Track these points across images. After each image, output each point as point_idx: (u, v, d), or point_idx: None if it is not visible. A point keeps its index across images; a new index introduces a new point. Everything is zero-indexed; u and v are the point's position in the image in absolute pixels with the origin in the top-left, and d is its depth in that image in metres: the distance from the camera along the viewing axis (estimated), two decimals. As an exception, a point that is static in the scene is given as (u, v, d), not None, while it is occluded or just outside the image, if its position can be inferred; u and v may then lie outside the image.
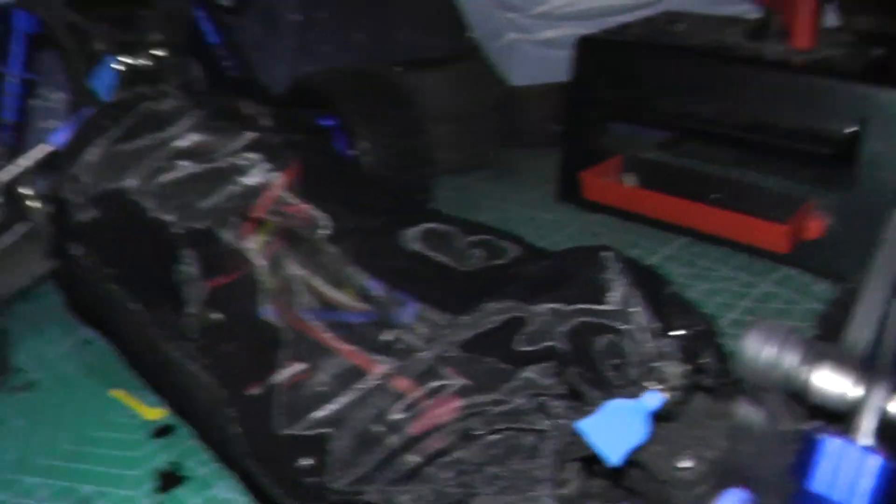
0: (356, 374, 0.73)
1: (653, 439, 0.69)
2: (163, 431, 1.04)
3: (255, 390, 0.76)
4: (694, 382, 0.70)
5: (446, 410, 0.67)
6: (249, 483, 0.82)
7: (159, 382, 0.98)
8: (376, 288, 0.80)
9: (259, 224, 0.87)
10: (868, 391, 0.55)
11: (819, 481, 0.54)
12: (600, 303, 0.69)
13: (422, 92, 1.71)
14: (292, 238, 0.86)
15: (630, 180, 1.46)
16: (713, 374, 0.70)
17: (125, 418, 1.08)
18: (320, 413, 0.71)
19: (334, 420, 0.70)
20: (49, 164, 1.12)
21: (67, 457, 1.02)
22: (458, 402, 0.67)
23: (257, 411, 0.74)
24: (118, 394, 1.12)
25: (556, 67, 1.66)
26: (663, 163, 1.48)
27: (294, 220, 0.86)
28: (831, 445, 0.54)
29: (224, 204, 0.90)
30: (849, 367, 0.57)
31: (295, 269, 0.85)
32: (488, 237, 0.85)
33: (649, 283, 0.73)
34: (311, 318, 0.80)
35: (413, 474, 0.66)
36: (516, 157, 1.86)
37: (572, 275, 0.73)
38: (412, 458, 0.66)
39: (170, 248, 0.90)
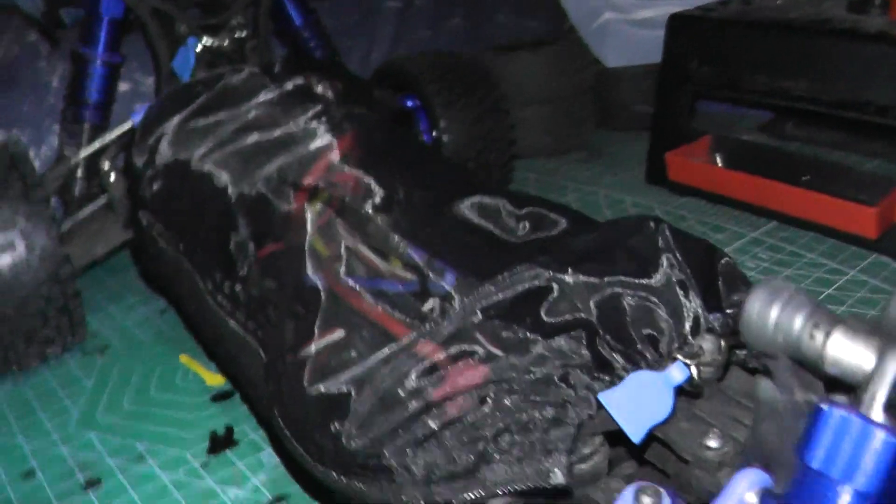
0: (389, 340, 0.72)
1: (682, 416, 0.66)
2: (222, 396, 1.07)
3: (292, 358, 0.77)
4: (732, 359, 0.66)
5: (471, 376, 0.66)
6: (280, 446, 0.83)
7: (214, 348, 1.01)
8: (419, 257, 0.79)
9: (312, 192, 0.88)
10: (882, 359, 0.50)
11: (818, 457, 0.49)
12: (641, 276, 0.66)
13: (515, 74, 1.70)
14: (343, 206, 0.86)
15: (718, 161, 1.39)
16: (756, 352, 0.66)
17: (188, 383, 1.11)
18: (345, 375, 0.70)
19: (357, 381, 0.69)
20: (128, 140, 1.17)
21: (128, 416, 1.06)
22: (484, 369, 0.66)
23: (290, 374, 0.75)
24: (185, 359, 1.16)
25: (652, 48, 1.60)
26: (752, 144, 1.40)
27: (345, 188, 0.86)
28: (833, 418, 0.49)
29: (279, 172, 0.91)
30: (865, 332, 0.52)
31: (344, 237, 0.84)
32: (539, 209, 0.83)
33: (701, 256, 0.69)
34: (355, 286, 0.80)
35: (428, 439, 0.64)
36: (610, 139, 1.82)
37: (614, 245, 0.70)
38: (430, 423, 0.64)
39: (228, 215, 0.92)
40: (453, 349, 0.67)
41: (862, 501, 0.47)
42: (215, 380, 1.10)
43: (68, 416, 1.08)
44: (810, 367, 0.53)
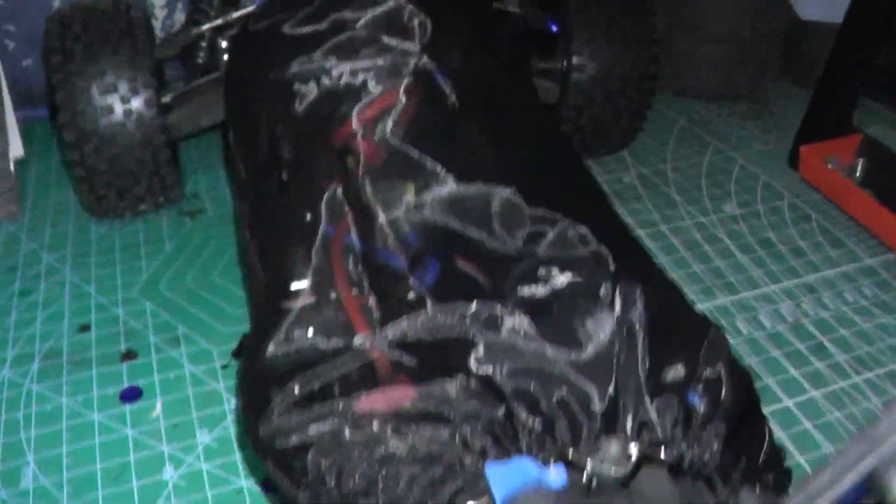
0: (345, 329, 0.71)
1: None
2: (272, 297, 1.11)
3: (273, 300, 0.77)
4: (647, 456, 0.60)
5: (399, 396, 0.64)
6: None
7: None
8: (412, 241, 0.76)
9: (343, 149, 0.85)
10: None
11: None
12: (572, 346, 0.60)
13: (695, 6, 1.54)
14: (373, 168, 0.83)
15: (858, 169, 1.22)
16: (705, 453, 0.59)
17: (251, 275, 1.16)
18: (297, 351, 0.70)
19: (303, 363, 0.69)
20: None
21: (185, 294, 1.12)
22: (412, 392, 0.64)
23: (263, 321, 0.75)
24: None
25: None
26: None
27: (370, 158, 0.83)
28: None
29: (318, 120, 0.88)
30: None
31: (366, 195, 0.82)
32: (558, 219, 0.76)
33: (667, 318, 0.63)
34: (352, 248, 0.78)
35: (338, 449, 0.64)
36: (786, 95, 1.63)
37: (574, 306, 0.64)
38: (346, 433, 0.64)
39: (274, 141, 0.91)
40: (396, 355, 0.66)
41: None
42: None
43: (138, 276, 1.15)
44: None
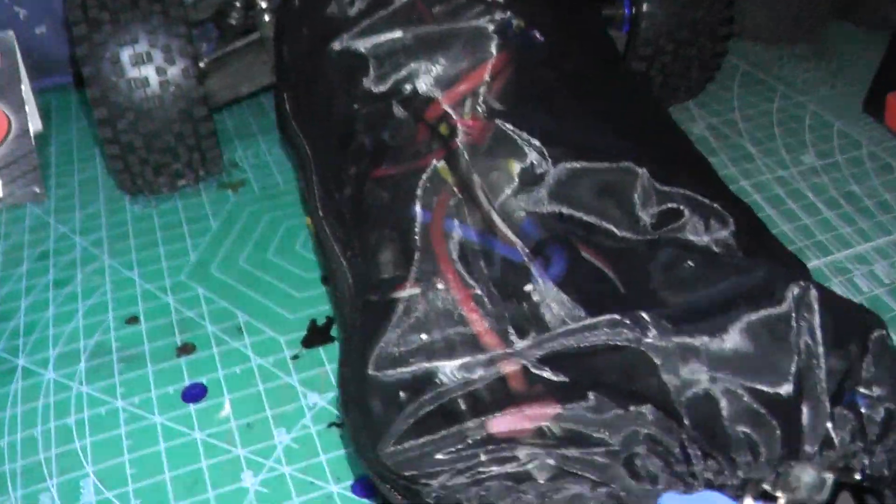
0: (459, 321, 0.63)
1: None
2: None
3: (373, 296, 0.69)
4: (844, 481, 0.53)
5: (539, 414, 0.56)
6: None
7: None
8: (531, 233, 0.67)
9: (438, 121, 0.76)
10: None
11: None
12: (766, 380, 0.52)
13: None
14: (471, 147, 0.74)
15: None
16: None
17: (307, 252, 1.07)
18: (412, 365, 0.61)
19: (420, 377, 0.61)
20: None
21: (240, 277, 1.03)
22: (555, 408, 0.56)
23: (365, 322, 0.67)
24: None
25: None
26: None
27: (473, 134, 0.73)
28: None
29: (403, 99, 0.79)
30: None
31: (471, 176, 0.72)
32: (693, 196, 0.67)
33: (851, 337, 0.54)
34: (453, 234, 0.69)
35: (474, 479, 0.56)
36: (847, 37, 1.53)
37: (737, 313, 0.55)
38: (483, 461, 0.56)
39: (351, 119, 0.82)
40: (532, 369, 0.58)
41: None
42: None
43: (185, 259, 1.07)
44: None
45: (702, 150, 1.21)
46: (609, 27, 1.20)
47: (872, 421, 0.52)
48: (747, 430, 0.50)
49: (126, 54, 1.01)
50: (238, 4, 1.15)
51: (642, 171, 0.66)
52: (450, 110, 0.75)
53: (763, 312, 0.53)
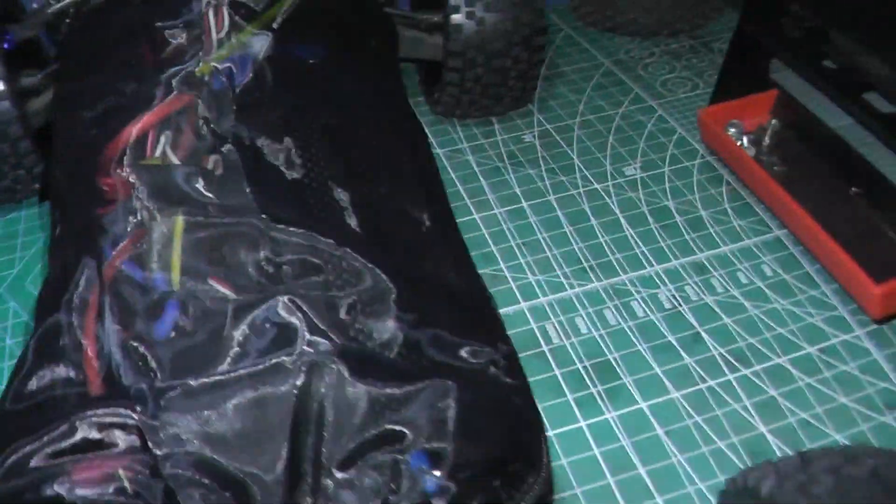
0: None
1: None
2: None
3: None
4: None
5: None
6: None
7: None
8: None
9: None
10: None
11: None
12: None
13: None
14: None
15: (767, 135, 1.10)
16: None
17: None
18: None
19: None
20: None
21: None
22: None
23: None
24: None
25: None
26: (818, 123, 1.05)
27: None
28: None
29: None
30: None
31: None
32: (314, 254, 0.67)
33: None
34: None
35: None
36: (731, 30, 1.48)
37: None
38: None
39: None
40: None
41: None
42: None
43: (10, 270, 1.12)
44: None
45: (525, 160, 1.21)
46: (436, 34, 1.20)
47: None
48: None
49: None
50: (68, 20, 1.19)
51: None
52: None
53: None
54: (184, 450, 0.53)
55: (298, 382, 0.55)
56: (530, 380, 0.90)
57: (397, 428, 0.53)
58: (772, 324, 0.95)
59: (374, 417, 0.54)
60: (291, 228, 0.65)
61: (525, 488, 0.55)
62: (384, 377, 0.56)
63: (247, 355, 0.57)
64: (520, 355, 0.93)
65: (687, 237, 1.07)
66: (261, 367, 0.55)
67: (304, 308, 0.59)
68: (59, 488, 0.52)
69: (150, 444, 0.54)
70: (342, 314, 0.60)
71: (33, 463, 0.56)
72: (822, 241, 0.96)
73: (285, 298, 0.59)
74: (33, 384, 0.66)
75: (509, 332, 0.94)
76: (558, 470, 0.83)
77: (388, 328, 0.61)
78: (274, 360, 0.56)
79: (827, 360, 0.91)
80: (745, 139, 1.11)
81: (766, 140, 1.10)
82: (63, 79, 1.04)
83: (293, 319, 0.58)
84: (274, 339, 0.58)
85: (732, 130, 1.12)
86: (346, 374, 0.55)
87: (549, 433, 0.86)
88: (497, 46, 1.13)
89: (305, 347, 0.56)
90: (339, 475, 0.54)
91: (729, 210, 1.10)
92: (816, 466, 0.50)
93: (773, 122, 1.11)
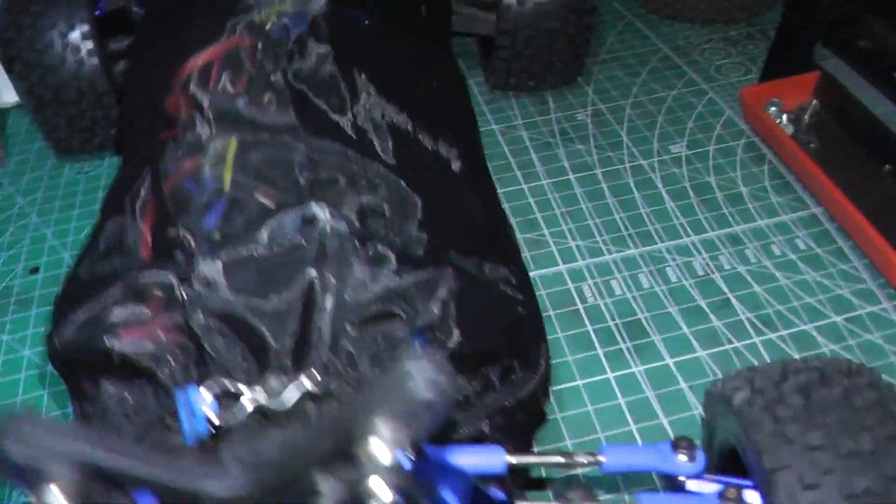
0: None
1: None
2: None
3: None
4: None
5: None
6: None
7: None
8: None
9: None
10: None
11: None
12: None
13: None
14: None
15: (806, 115, 1.13)
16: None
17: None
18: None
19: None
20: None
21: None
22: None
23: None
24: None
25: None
26: (859, 105, 1.09)
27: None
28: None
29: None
30: None
31: None
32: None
33: None
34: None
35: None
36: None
37: None
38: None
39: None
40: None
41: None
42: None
43: (92, 220, 1.23)
44: None
45: (577, 136, 1.27)
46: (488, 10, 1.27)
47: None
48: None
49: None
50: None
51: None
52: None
53: None
54: (211, 304, 0.61)
55: (315, 257, 0.62)
56: (563, 334, 0.97)
57: (402, 310, 0.61)
58: (801, 293, 0.99)
59: (382, 299, 0.62)
60: (330, 146, 0.74)
61: (518, 382, 0.61)
62: (398, 262, 0.63)
63: (274, 239, 0.65)
64: (554, 312, 1.00)
65: (725, 211, 1.12)
66: (286, 243, 0.64)
67: (332, 209, 0.67)
68: (109, 342, 0.62)
69: (183, 297, 0.63)
70: (369, 217, 0.68)
71: (93, 319, 0.66)
72: (852, 216, 0.99)
73: (317, 202, 0.67)
74: (98, 263, 0.76)
75: (546, 292, 1.01)
76: (584, 416, 0.88)
77: (412, 234, 0.68)
78: (300, 239, 0.64)
79: (852, 328, 0.95)
80: (784, 117, 1.15)
81: (806, 119, 1.13)
82: (142, 26, 1.15)
83: (321, 214, 0.66)
84: (299, 228, 0.66)
85: (773, 109, 1.16)
86: (362, 255, 0.62)
87: (579, 382, 0.92)
88: (546, 26, 1.20)
89: (327, 229, 0.64)
90: (343, 342, 0.60)
91: (768, 187, 1.14)
92: (790, 384, 0.54)
93: (814, 102, 1.14)
